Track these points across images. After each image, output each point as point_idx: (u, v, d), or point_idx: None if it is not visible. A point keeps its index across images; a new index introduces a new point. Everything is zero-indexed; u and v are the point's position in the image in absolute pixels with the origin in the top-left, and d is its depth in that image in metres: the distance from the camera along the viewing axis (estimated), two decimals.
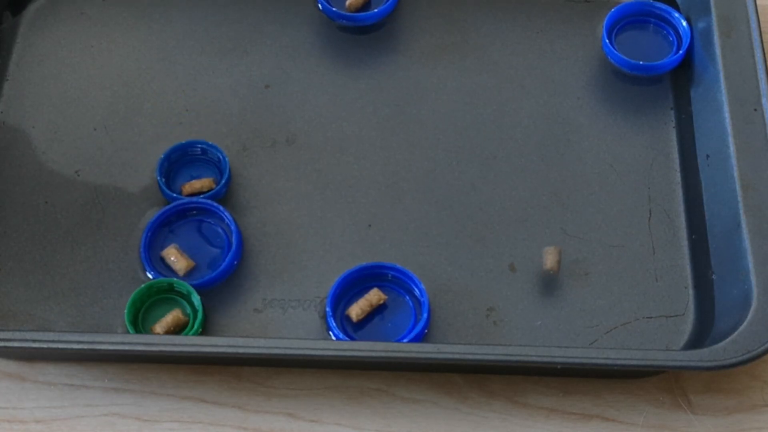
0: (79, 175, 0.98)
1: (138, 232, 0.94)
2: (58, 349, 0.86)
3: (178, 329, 0.89)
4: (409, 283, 0.91)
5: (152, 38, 1.06)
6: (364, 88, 1.04)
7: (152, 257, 0.93)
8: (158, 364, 0.90)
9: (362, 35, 1.07)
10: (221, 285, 0.92)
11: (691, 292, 0.92)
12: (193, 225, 0.95)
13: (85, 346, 0.86)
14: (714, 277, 0.91)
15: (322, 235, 0.95)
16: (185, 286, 0.90)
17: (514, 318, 0.91)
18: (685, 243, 0.95)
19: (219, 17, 1.07)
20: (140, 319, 0.90)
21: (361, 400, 0.89)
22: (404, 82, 1.04)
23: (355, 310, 0.90)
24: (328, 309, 0.89)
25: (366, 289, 0.91)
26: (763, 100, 0.95)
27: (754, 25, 0.99)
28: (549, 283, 0.93)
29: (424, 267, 0.93)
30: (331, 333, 0.89)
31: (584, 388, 0.89)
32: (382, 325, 0.91)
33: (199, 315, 0.89)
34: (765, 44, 0.99)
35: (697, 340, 0.89)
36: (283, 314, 0.91)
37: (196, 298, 0.90)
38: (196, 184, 0.96)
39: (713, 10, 1.01)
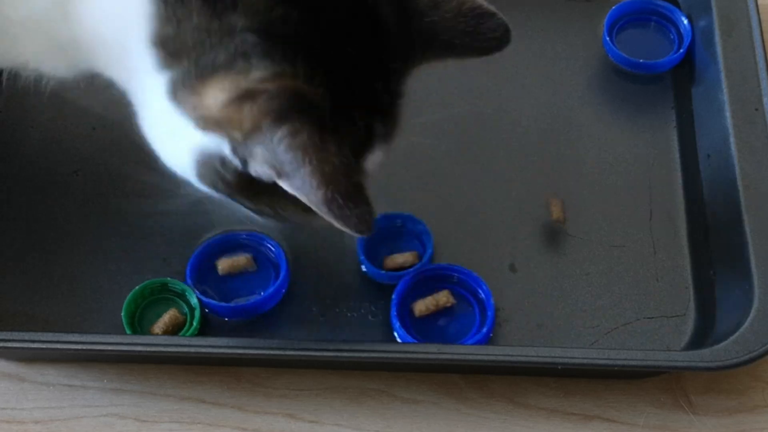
0: (78, 175, 0.98)
1: (137, 232, 0.94)
2: (56, 349, 0.87)
3: (176, 328, 0.89)
4: (474, 286, 0.91)
5: None
6: None
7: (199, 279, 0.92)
8: (157, 365, 0.90)
9: None
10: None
11: (692, 292, 0.92)
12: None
13: (84, 347, 0.86)
14: (715, 277, 0.91)
15: (321, 234, 0.95)
16: (180, 285, 0.90)
17: (514, 318, 0.91)
18: (686, 243, 0.94)
19: None
20: (137, 321, 0.90)
21: (361, 400, 0.89)
22: None
23: (420, 307, 0.90)
24: (394, 305, 0.89)
25: (432, 290, 0.91)
26: (765, 100, 0.95)
27: (755, 23, 0.99)
28: (549, 284, 0.92)
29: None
30: (395, 332, 0.89)
31: (585, 389, 0.89)
32: (443, 325, 0.90)
33: (197, 313, 0.89)
34: (766, 43, 0.98)
35: (698, 341, 0.89)
36: (279, 312, 0.91)
37: (191, 296, 0.90)
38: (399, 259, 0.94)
39: (714, 8, 1.01)
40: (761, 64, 0.97)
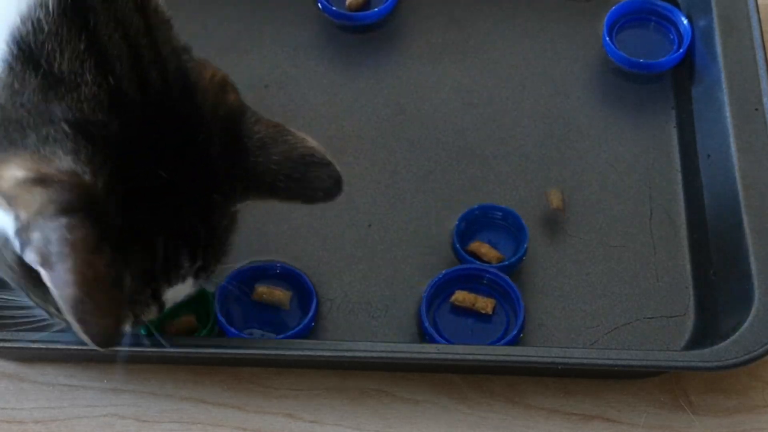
0: None
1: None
2: (57, 349, 0.86)
3: (187, 333, 0.89)
4: (505, 287, 0.91)
5: None
6: (363, 87, 1.04)
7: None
8: (157, 365, 0.90)
9: (362, 35, 1.07)
10: None
11: (691, 292, 0.92)
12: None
13: (84, 347, 0.85)
14: (715, 277, 0.91)
15: (321, 234, 0.95)
16: (204, 293, 0.89)
17: None
18: (685, 243, 0.94)
19: (218, 16, 1.07)
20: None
21: (361, 400, 0.89)
22: (404, 82, 1.04)
23: (459, 296, 0.90)
24: (425, 297, 0.90)
25: (451, 293, 0.91)
26: (765, 99, 0.95)
27: (755, 23, 0.99)
28: (549, 284, 0.92)
29: (424, 267, 0.93)
30: (424, 328, 0.89)
31: (585, 389, 0.89)
32: (470, 324, 0.91)
33: (210, 323, 0.89)
34: (766, 43, 0.98)
35: (698, 341, 0.88)
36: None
37: (211, 307, 0.89)
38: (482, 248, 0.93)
39: (714, 8, 1.01)
40: (761, 63, 0.97)
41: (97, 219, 0.71)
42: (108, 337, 0.71)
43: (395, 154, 0.99)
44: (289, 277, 0.92)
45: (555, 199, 0.95)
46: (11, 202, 0.71)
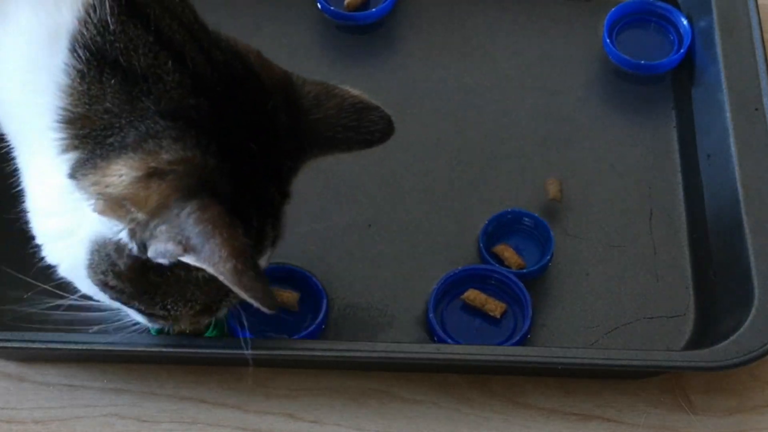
0: None
1: None
2: (57, 349, 0.86)
3: (196, 331, 0.88)
4: (512, 286, 0.91)
5: None
6: (363, 87, 1.02)
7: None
8: (157, 365, 0.89)
9: (361, 35, 1.07)
10: None
11: (691, 292, 0.92)
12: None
13: (84, 347, 0.86)
14: (715, 277, 0.91)
15: (321, 234, 0.95)
16: None
17: None
18: (686, 243, 0.94)
19: (217, 16, 1.06)
20: None
21: (361, 400, 0.89)
22: (404, 82, 1.04)
23: (470, 295, 0.90)
24: (430, 306, 0.90)
25: (463, 291, 0.91)
26: (765, 100, 0.95)
27: (755, 24, 0.99)
28: (550, 284, 0.92)
29: (424, 267, 0.93)
30: (428, 319, 0.89)
31: (585, 389, 0.89)
32: (478, 324, 0.91)
33: (221, 323, 0.88)
34: (766, 43, 0.99)
35: (698, 341, 0.89)
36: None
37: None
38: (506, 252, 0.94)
39: (714, 9, 1.01)
40: (761, 64, 0.97)
41: (218, 196, 0.72)
42: (274, 299, 0.72)
43: (395, 154, 0.99)
44: (295, 279, 0.92)
45: (552, 189, 0.95)
46: (125, 204, 0.72)
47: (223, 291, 0.77)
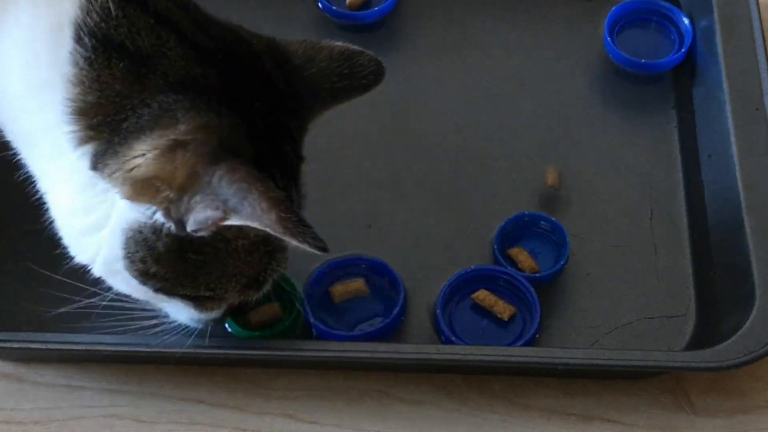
0: None
1: None
2: (56, 350, 0.86)
3: (271, 322, 0.89)
4: (523, 289, 0.91)
5: None
6: None
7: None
8: (156, 366, 0.89)
9: (362, 34, 1.07)
10: None
11: (692, 292, 0.92)
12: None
13: (83, 348, 0.86)
14: (716, 277, 0.91)
15: (321, 235, 0.94)
16: (289, 282, 0.90)
17: None
18: (686, 243, 0.94)
19: (216, 15, 1.07)
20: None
21: (361, 401, 0.88)
22: (404, 81, 1.03)
23: (481, 295, 0.90)
24: (439, 304, 0.90)
25: (473, 291, 0.91)
26: (765, 99, 0.95)
27: (756, 23, 0.99)
28: (550, 284, 0.92)
29: (424, 267, 0.93)
30: (436, 315, 0.89)
31: (585, 389, 0.89)
32: (485, 325, 0.91)
33: (295, 312, 0.89)
34: (767, 43, 0.98)
35: (698, 341, 0.88)
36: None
37: (297, 296, 0.90)
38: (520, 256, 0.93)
39: (715, 8, 1.01)
40: (762, 64, 0.96)
41: (242, 156, 0.72)
42: (322, 240, 0.71)
43: (395, 154, 0.99)
44: (369, 269, 0.93)
45: (551, 177, 0.96)
46: (154, 183, 0.72)
47: (266, 259, 0.77)
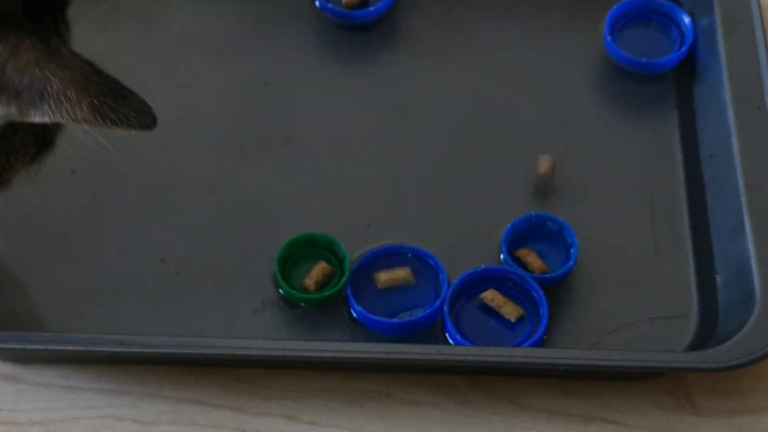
0: (75, 174, 0.97)
1: (138, 232, 0.94)
2: (54, 350, 0.86)
3: (326, 279, 0.90)
4: (531, 291, 0.90)
5: (149, 36, 1.05)
6: (362, 86, 1.03)
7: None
8: (155, 366, 0.89)
9: (360, 33, 1.07)
10: (220, 285, 0.92)
11: (694, 292, 0.92)
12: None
13: (82, 348, 0.85)
14: (717, 277, 0.91)
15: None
16: (326, 237, 0.91)
17: None
18: (688, 243, 0.94)
19: (216, 15, 1.07)
20: (288, 277, 0.91)
21: (361, 402, 0.88)
22: (403, 81, 1.03)
23: (489, 295, 0.90)
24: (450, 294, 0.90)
25: (482, 290, 0.91)
26: (767, 99, 0.95)
27: (757, 22, 0.99)
28: (550, 284, 0.92)
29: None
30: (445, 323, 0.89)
31: (587, 390, 0.88)
32: (493, 325, 0.90)
33: (346, 264, 0.90)
34: None
35: (700, 342, 0.88)
36: (282, 314, 0.91)
37: (338, 247, 0.91)
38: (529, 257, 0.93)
39: (717, 7, 1.00)
40: (764, 63, 0.96)
41: (16, 21, 0.62)
42: (147, 113, 0.63)
43: (395, 153, 0.99)
44: (409, 255, 0.93)
45: (544, 165, 0.95)
46: None
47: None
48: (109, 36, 1.06)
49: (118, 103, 0.60)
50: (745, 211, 0.90)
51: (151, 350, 0.85)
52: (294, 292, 0.90)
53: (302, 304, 0.90)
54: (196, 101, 1.01)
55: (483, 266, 0.91)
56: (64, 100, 0.59)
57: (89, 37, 1.07)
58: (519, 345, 0.88)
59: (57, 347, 0.85)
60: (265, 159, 0.98)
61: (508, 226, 0.93)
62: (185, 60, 1.04)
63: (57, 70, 0.59)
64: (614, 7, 1.04)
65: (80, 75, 0.60)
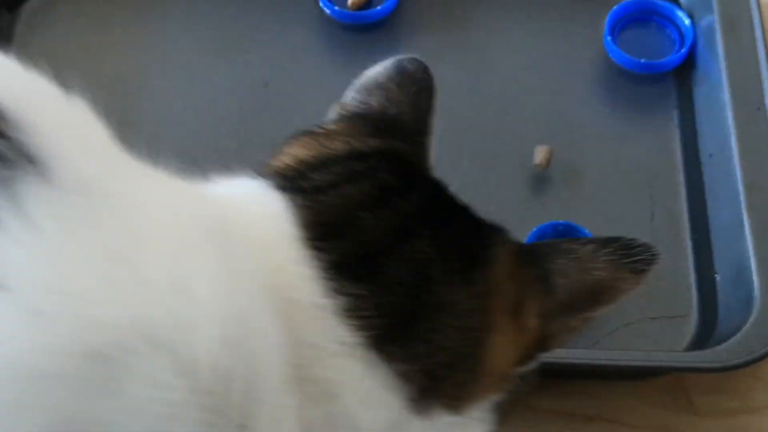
0: None
1: None
2: None
3: None
4: None
5: (150, 36, 1.05)
6: None
7: None
8: None
9: (363, 34, 1.07)
10: None
11: (694, 292, 0.92)
12: None
13: None
14: (717, 277, 0.91)
15: None
16: None
17: None
18: (688, 243, 0.94)
19: (217, 15, 1.07)
20: None
21: None
22: None
23: None
24: None
25: None
26: (767, 99, 0.95)
27: (757, 23, 0.99)
28: None
29: None
30: None
31: (586, 389, 0.88)
32: None
33: None
34: None
35: (700, 341, 0.88)
36: None
37: None
38: None
39: (716, 7, 1.00)
40: (763, 63, 0.96)
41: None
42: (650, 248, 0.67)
43: None
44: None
45: (540, 155, 0.96)
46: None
47: None
48: (109, 36, 1.07)
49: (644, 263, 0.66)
50: (744, 211, 0.90)
51: None
52: None
53: None
54: (197, 101, 1.01)
55: None
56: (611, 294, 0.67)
57: (89, 37, 1.07)
58: None
59: None
60: (265, 159, 0.98)
61: (534, 230, 0.92)
62: (185, 60, 1.04)
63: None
64: (614, 7, 1.04)
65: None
